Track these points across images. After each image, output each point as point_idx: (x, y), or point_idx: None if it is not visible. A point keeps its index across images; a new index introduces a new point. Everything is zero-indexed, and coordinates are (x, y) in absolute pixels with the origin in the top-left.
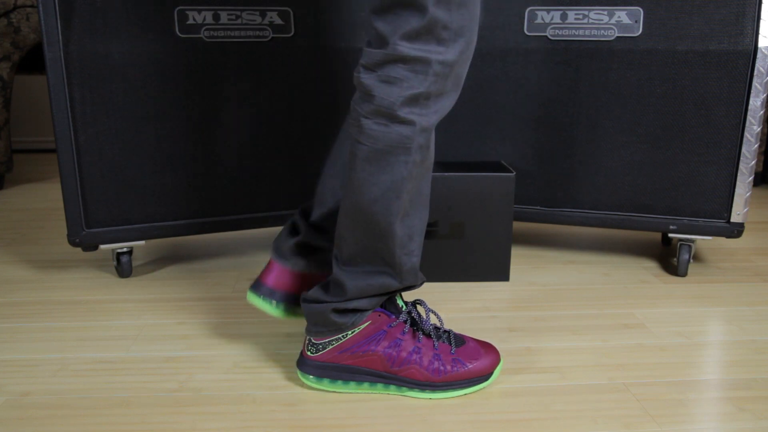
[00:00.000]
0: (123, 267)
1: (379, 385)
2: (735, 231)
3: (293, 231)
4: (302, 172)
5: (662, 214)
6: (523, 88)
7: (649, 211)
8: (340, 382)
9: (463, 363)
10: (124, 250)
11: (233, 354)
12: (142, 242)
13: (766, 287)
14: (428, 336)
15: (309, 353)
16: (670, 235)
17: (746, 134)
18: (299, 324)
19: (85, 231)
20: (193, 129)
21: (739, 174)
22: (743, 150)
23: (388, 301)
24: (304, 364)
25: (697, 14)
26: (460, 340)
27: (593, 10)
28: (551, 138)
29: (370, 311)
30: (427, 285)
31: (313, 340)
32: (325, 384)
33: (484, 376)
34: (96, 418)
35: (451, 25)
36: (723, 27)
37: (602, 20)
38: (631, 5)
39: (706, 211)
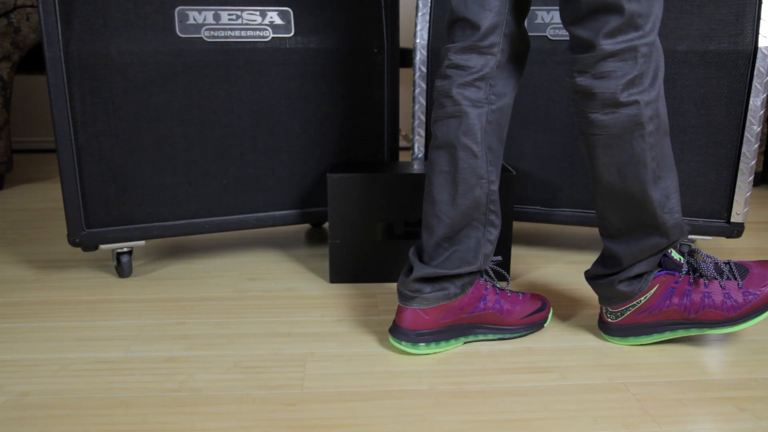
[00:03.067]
0: (123, 267)
1: (680, 330)
2: (735, 231)
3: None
4: (302, 172)
5: None
6: (523, 88)
7: None
8: (643, 336)
9: (753, 293)
10: (124, 250)
11: (233, 354)
12: (142, 242)
13: None
14: (713, 278)
15: (609, 319)
16: None
17: (746, 134)
18: (299, 324)
19: (85, 231)
20: (193, 129)
21: (739, 174)
22: (743, 150)
23: (667, 260)
24: (608, 329)
25: (697, 14)
26: (743, 269)
27: None
28: (551, 138)
29: (653, 272)
30: None
31: (610, 309)
32: (631, 340)
33: None
34: (96, 418)
35: (643, 11)
36: (723, 27)
37: None
38: None
39: (706, 211)
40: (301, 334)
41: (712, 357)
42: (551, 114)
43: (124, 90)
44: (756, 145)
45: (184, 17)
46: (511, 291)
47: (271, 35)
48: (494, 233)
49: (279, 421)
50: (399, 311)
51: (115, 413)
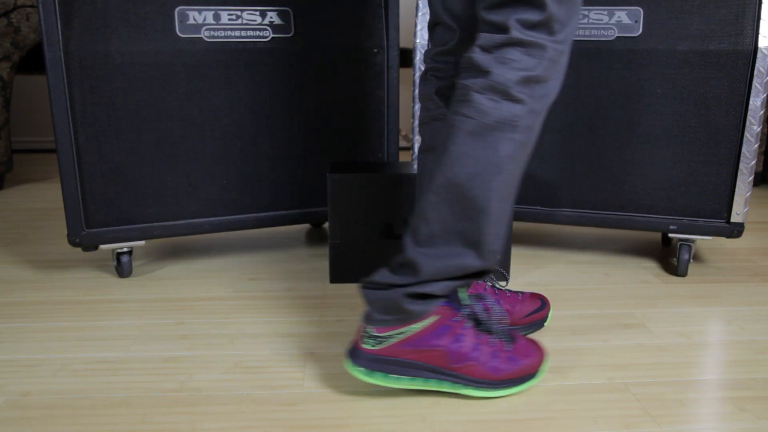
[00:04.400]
0: (123, 267)
1: (433, 381)
2: (735, 231)
3: None
4: (302, 172)
5: (662, 214)
6: None
7: (649, 211)
8: (393, 377)
9: (517, 360)
10: (124, 250)
11: (233, 354)
12: (142, 242)
13: (766, 287)
14: (487, 332)
15: (366, 346)
16: (670, 235)
17: (746, 134)
18: (299, 324)
19: (85, 231)
20: (193, 129)
21: (739, 174)
22: (743, 150)
23: (452, 294)
24: (357, 356)
25: (697, 14)
26: (511, 336)
27: (593, 10)
28: (551, 138)
29: (443, 299)
30: None
31: (374, 333)
32: (377, 378)
33: (533, 373)
34: (96, 418)
35: (561, 17)
36: (723, 27)
37: (602, 20)
38: (631, 5)
39: (706, 211)
40: (301, 334)
41: (712, 357)
42: (551, 114)
43: (124, 90)
44: (756, 145)
45: (184, 17)
46: (510, 291)
47: (271, 35)
48: None
49: (279, 421)
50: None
51: (115, 413)
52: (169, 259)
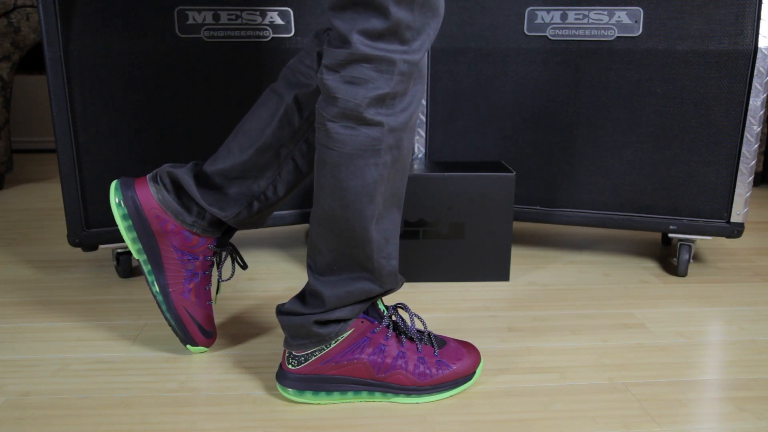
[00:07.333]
0: (123, 267)
1: (364, 393)
2: (735, 231)
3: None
4: None
5: (662, 214)
6: (523, 88)
7: (649, 211)
8: (323, 393)
9: (447, 365)
10: (124, 250)
11: (233, 354)
12: None
13: (766, 287)
14: (411, 339)
15: (290, 366)
16: (670, 235)
17: (746, 134)
18: None
19: (85, 231)
20: (193, 129)
21: (739, 174)
22: (743, 150)
23: (369, 307)
24: (284, 377)
25: (697, 14)
26: (441, 341)
27: (593, 10)
28: (551, 138)
29: (353, 319)
30: (427, 285)
31: (294, 353)
32: (308, 397)
33: (467, 376)
34: (96, 418)
35: (413, 24)
36: (723, 27)
37: (602, 20)
38: (631, 5)
39: (706, 211)
40: None
41: (712, 357)
42: (551, 114)
43: (124, 90)
44: (756, 145)
45: (183, 17)
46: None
47: (271, 35)
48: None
49: (279, 421)
50: None
51: (115, 413)
52: None
